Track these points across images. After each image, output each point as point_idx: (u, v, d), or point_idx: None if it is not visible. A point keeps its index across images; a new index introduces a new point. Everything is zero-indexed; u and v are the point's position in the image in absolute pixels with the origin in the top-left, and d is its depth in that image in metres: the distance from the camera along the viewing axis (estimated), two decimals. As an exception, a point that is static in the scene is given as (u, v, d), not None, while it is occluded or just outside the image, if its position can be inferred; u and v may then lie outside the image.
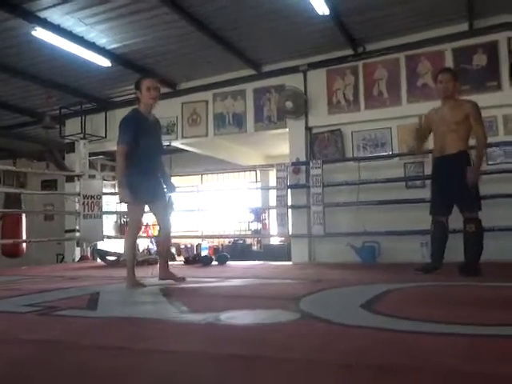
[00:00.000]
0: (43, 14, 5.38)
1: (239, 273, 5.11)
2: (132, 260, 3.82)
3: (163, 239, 4.08)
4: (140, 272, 4.03)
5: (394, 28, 6.15)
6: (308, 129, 6.91)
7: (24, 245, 8.69)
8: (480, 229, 4.10)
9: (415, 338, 1.88)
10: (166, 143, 8.40)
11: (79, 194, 7.49)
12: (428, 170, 6.10)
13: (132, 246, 3.90)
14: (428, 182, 6.06)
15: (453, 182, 4.11)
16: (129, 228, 4.10)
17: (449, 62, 6.00)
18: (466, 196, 4.05)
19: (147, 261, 6.31)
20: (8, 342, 1.96)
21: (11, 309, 2.78)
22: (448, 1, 5.55)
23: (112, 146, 8.57)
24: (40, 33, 5.58)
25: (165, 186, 4.05)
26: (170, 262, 4.16)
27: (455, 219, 4.34)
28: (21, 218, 8.59)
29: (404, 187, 6.25)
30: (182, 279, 3.95)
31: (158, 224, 4.14)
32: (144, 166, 3.72)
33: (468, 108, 4.12)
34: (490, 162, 5.73)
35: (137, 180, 3.65)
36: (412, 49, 6.30)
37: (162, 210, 3.99)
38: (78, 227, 7.66)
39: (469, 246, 4.10)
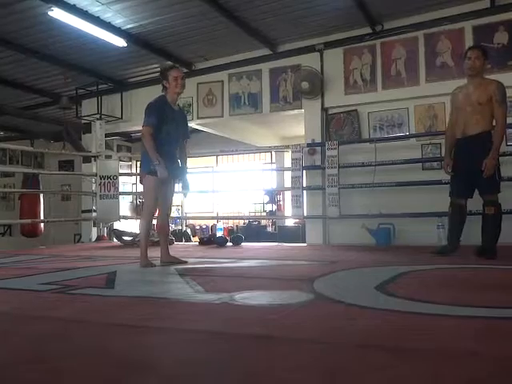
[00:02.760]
0: (59, -6, 5.37)
1: (254, 254, 5.13)
2: (145, 240, 3.89)
3: (164, 222, 4.11)
4: (155, 252, 4.07)
5: (413, 5, 6.01)
6: (324, 109, 6.84)
7: (42, 224, 8.83)
8: (499, 212, 4.06)
9: (430, 320, 1.88)
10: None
11: (96, 175, 7.55)
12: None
13: (147, 227, 3.95)
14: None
15: (474, 164, 4.03)
16: (145, 208, 4.13)
17: (469, 40, 5.86)
18: (487, 178, 3.98)
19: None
20: (28, 319, 2.00)
21: (31, 287, 2.84)
22: (469, -23, 5.41)
23: (128, 126, 8.63)
24: (56, 13, 5.57)
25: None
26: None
27: (472, 201, 4.30)
28: (39, 198, 8.71)
29: (420, 169, 6.18)
30: (185, 262, 3.99)
31: (160, 205, 4.08)
32: (165, 150, 3.85)
33: (492, 89, 4.02)
34: (509, 143, 5.63)
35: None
36: (431, 27, 6.15)
37: (170, 192, 4.07)
38: (94, 207, 7.74)
39: (487, 229, 4.07)
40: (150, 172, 3.81)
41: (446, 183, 5.29)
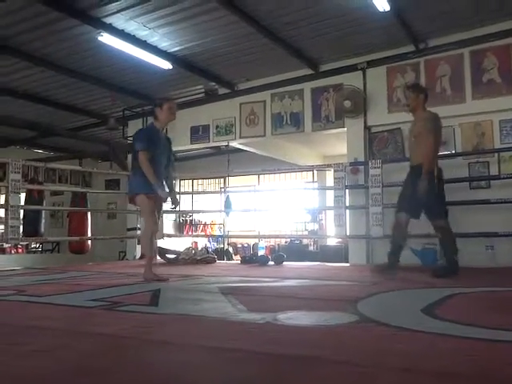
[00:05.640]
0: (109, 20, 5.60)
1: (296, 273, 5.10)
2: (150, 254, 4.16)
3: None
4: (197, 270, 4.12)
5: (457, 22, 5.93)
6: (367, 128, 6.80)
7: (89, 242, 9.08)
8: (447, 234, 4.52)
9: (477, 344, 1.82)
10: (224, 143, 8.56)
11: (141, 193, 7.70)
12: (493, 171, 5.87)
13: (152, 243, 4.21)
14: (493, 182, 5.84)
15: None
16: (147, 226, 4.30)
17: (517, 56, 5.73)
18: (428, 205, 4.41)
19: (205, 260, 6.43)
20: (77, 334, 2.06)
21: (79, 303, 2.92)
22: (516, -8, 5.31)
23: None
24: (105, 38, 5.81)
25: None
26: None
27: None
28: (86, 216, 8.98)
29: (468, 188, 6.02)
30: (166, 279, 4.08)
31: None
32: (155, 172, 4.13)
33: (423, 121, 4.45)
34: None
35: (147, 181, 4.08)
36: (477, 44, 6.05)
37: (159, 211, 4.41)
38: (139, 225, 7.90)
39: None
40: (147, 193, 4.07)
41: (494, 203, 5.13)
